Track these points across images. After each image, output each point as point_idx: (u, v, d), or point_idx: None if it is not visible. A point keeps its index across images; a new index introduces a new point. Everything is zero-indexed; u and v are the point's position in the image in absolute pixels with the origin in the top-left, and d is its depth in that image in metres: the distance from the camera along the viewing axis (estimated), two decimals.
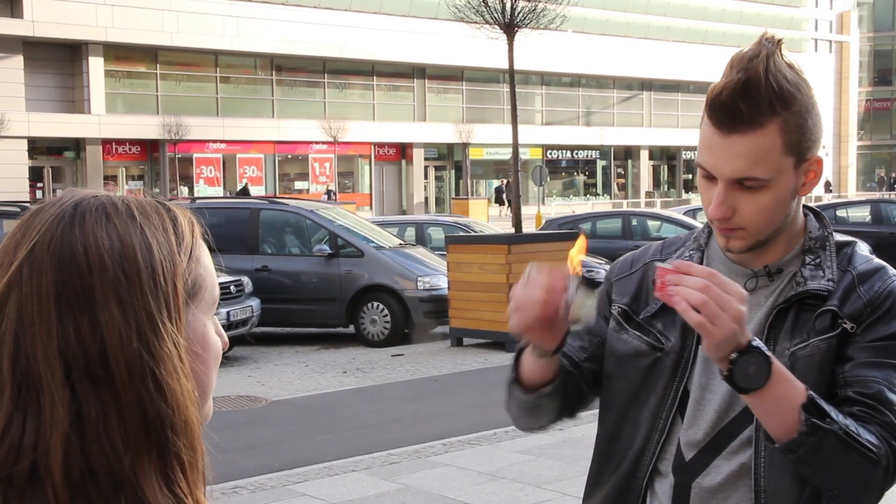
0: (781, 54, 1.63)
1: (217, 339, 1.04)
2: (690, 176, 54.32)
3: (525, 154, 45.16)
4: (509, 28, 11.77)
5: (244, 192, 35.25)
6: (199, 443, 0.97)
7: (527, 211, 27.35)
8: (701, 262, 1.80)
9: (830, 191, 53.74)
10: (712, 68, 52.01)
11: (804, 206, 1.79)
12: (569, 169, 51.46)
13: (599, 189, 51.55)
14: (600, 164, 51.87)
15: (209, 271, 1.03)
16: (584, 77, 49.79)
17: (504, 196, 42.78)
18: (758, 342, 1.51)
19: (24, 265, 0.92)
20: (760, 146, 1.60)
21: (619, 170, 52.56)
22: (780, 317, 1.70)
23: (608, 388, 1.87)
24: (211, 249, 1.06)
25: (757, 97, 1.59)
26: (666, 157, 53.49)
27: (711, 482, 1.72)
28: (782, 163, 1.62)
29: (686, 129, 51.08)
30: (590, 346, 1.88)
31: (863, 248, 1.79)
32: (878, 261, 1.76)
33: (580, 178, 51.60)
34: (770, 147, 1.61)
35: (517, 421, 1.92)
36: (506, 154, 43.75)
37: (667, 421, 1.77)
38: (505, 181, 44.67)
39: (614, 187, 51.82)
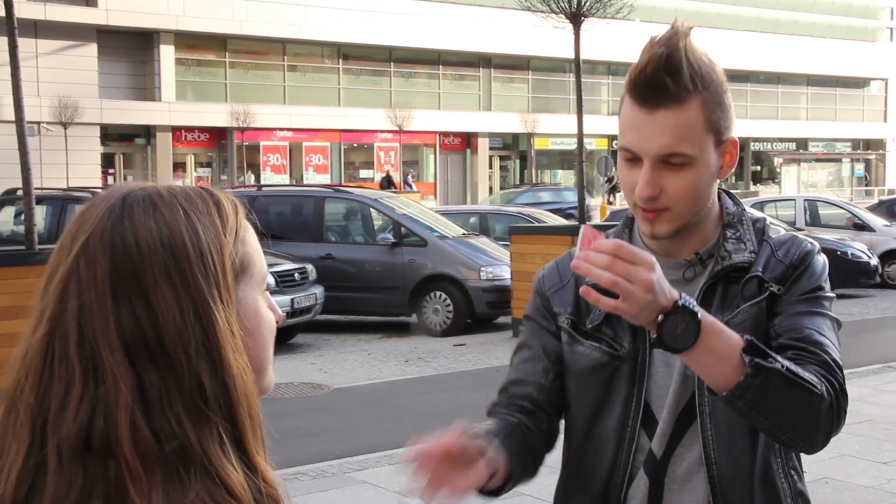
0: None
1: (269, 314, 1.09)
2: (759, 167, 53.48)
3: (591, 144, 44.86)
4: (575, 17, 11.68)
5: (388, 181, 35.64)
6: (257, 411, 1.02)
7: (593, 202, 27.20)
8: None
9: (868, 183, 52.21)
10: (783, 58, 51.17)
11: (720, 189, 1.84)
12: None
13: (620, 139, 50.88)
14: None
15: (256, 250, 1.08)
16: None
17: (618, 186, 43.12)
18: (685, 300, 1.48)
19: (80, 257, 0.99)
20: (685, 121, 1.64)
21: None
22: (710, 293, 1.74)
23: (571, 407, 1.85)
24: (258, 232, 1.10)
25: (680, 71, 1.62)
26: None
27: (678, 472, 1.75)
28: (704, 140, 1.66)
29: (755, 121, 50.25)
30: (552, 366, 1.85)
31: (773, 222, 1.87)
32: (788, 231, 1.85)
33: None
34: (693, 122, 1.64)
35: None
36: (571, 144, 43.52)
37: (634, 430, 1.77)
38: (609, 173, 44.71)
39: None
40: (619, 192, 36.96)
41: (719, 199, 1.81)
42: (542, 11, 12.01)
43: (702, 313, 1.50)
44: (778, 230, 1.83)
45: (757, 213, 1.88)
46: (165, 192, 1.03)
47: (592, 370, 1.79)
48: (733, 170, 1.76)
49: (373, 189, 29.89)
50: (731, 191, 1.88)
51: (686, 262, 1.77)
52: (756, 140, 51.20)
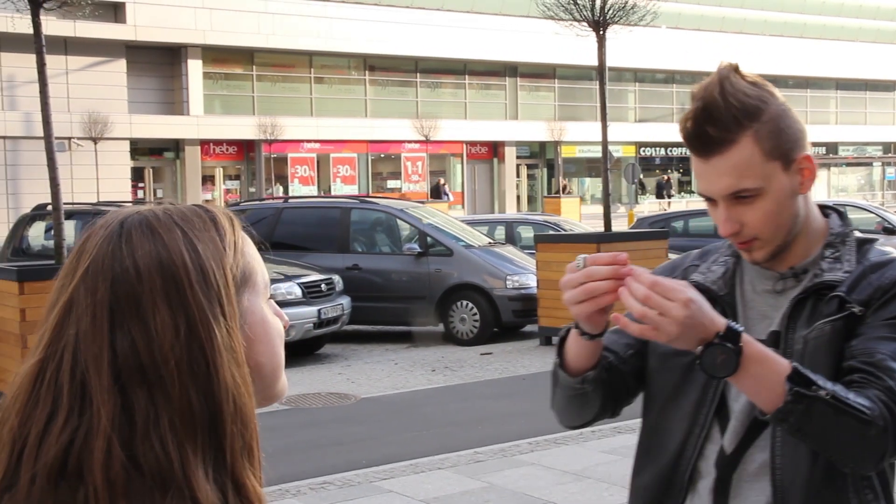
0: (741, 75, 1.74)
1: (276, 320, 1.12)
2: None
3: (618, 152, 44.74)
4: (598, 25, 11.69)
5: (436, 191, 36.59)
6: (253, 426, 1.04)
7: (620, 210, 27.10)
8: (735, 268, 1.91)
9: None
10: (812, 62, 50.84)
11: (827, 206, 1.89)
12: (663, 166, 50.83)
13: (695, 186, 50.78)
14: None
15: (256, 260, 1.10)
16: (679, 73, 49.07)
17: (665, 191, 44.48)
18: (731, 330, 1.57)
19: (81, 285, 1.01)
20: (740, 160, 1.72)
21: None
22: (800, 307, 1.79)
23: (650, 384, 1.95)
24: (257, 243, 1.13)
25: (720, 118, 1.71)
26: None
27: (748, 471, 1.80)
28: (768, 169, 1.74)
29: None
30: (634, 342, 1.94)
31: (883, 245, 1.87)
32: (895, 254, 1.85)
33: (675, 176, 50.97)
34: (749, 158, 1.72)
35: (562, 415, 1.99)
36: (599, 152, 43.44)
37: (707, 417, 1.84)
38: (665, 177, 45.61)
39: None
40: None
41: (827, 216, 1.88)
42: (564, 20, 12.03)
43: (746, 343, 1.58)
44: (885, 253, 1.84)
45: (870, 235, 1.91)
46: (162, 214, 1.05)
47: (673, 354, 1.84)
48: (814, 181, 1.81)
49: (420, 198, 30.09)
50: None
51: (779, 274, 1.84)
52: None
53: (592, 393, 1.86)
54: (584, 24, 11.87)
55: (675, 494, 1.86)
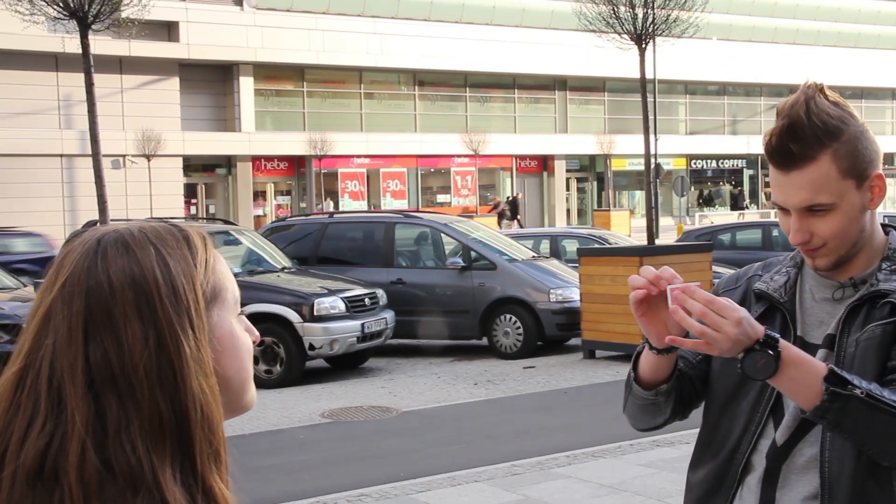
0: (825, 95, 1.84)
1: (245, 335, 1.18)
2: None
3: (668, 164, 44.49)
4: (640, 39, 11.68)
5: (513, 204, 37.49)
6: (220, 434, 1.10)
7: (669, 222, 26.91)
8: (797, 278, 2.04)
9: None
10: (866, 72, 50.16)
11: (888, 224, 2.01)
12: (714, 179, 50.39)
13: (746, 199, 50.29)
14: (747, 173, 50.60)
15: (227, 277, 1.17)
16: (731, 85, 48.69)
17: (739, 202, 45.07)
18: (768, 338, 1.71)
19: (58, 298, 1.08)
20: (818, 176, 1.84)
21: (768, 179, 51.10)
22: (854, 313, 1.90)
23: (713, 386, 2.08)
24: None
25: (803, 136, 1.82)
26: None
27: (796, 463, 1.91)
28: (842, 186, 1.85)
29: None
30: None
31: None
32: None
33: (726, 188, 50.52)
34: (826, 175, 1.84)
35: (634, 420, 2.13)
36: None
37: (763, 415, 1.96)
38: (738, 189, 45.75)
39: (761, 197, 50.48)
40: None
41: (887, 233, 2.00)
42: (606, 33, 12.04)
43: (784, 347, 1.72)
44: None
45: None
46: (137, 232, 1.11)
47: (734, 357, 1.95)
48: (884, 197, 1.93)
49: (470, 212, 30.01)
50: None
51: (839, 283, 1.95)
52: None
53: (665, 403, 2.01)
54: (626, 37, 11.87)
55: (727, 488, 1.98)
